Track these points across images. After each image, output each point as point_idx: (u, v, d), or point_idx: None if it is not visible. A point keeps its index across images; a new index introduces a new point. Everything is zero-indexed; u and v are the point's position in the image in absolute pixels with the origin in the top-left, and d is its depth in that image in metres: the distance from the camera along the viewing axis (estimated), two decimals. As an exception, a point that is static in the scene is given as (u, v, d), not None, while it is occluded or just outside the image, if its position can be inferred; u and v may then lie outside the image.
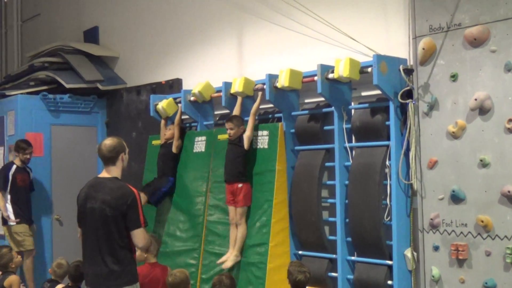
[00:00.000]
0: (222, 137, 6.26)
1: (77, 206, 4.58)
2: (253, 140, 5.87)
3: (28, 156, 7.66)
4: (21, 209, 7.55)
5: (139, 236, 4.36)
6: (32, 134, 8.08)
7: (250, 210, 5.83)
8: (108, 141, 4.52)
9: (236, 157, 5.77)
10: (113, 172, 4.51)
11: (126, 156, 4.59)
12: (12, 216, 7.49)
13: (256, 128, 5.89)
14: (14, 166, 7.63)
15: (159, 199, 6.74)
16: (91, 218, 4.42)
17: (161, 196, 6.74)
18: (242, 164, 5.77)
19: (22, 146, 7.66)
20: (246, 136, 5.75)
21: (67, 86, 8.23)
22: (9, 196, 7.55)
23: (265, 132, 5.86)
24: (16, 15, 11.33)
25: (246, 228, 5.75)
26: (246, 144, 5.76)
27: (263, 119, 6.16)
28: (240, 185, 5.72)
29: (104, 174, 4.54)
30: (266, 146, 5.82)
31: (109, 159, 4.49)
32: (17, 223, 7.48)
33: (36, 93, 8.27)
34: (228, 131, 5.84)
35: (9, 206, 7.54)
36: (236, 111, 6.02)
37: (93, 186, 4.54)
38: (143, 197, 6.55)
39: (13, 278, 5.80)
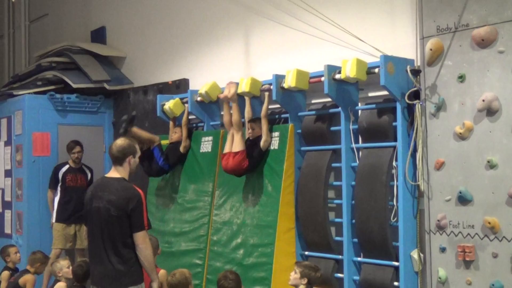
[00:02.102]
0: None
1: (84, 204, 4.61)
2: None
3: (76, 155, 7.69)
4: (64, 209, 7.59)
5: (139, 238, 4.37)
6: (39, 134, 8.10)
7: (256, 210, 5.84)
8: (120, 141, 4.54)
9: (252, 152, 5.84)
10: (120, 172, 4.51)
11: (135, 159, 4.56)
12: (54, 214, 7.60)
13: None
14: (67, 166, 7.70)
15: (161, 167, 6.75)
16: (97, 217, 4.42)
17: (162, 164, 6.74)
18: (256, 158, 5.84)
19: (70, 145, 7.73)
20: (264, 140, 5.79)
21: (74, 86, 8.25)
22: (58, 195, 7.64)
23: (276, 134, 5.87)
24: (23, 15, 11.36)
25: None
26: (264, 148, 5.82)
27: (269, 120, 6.14)
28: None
29: (111, 173, 4.55)
30: (276, 147, 5.83)
31: (116, 158, 4.50)
32: (55, 221, 7.58)
33: (44, 93, 8.28)
34: (249, 131, 5.92)
35: (56, 205, 7.64)
36: (247, 112, 6.02)
37: (99, 185, 4.55)
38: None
39: (28, 277, 5.84)
